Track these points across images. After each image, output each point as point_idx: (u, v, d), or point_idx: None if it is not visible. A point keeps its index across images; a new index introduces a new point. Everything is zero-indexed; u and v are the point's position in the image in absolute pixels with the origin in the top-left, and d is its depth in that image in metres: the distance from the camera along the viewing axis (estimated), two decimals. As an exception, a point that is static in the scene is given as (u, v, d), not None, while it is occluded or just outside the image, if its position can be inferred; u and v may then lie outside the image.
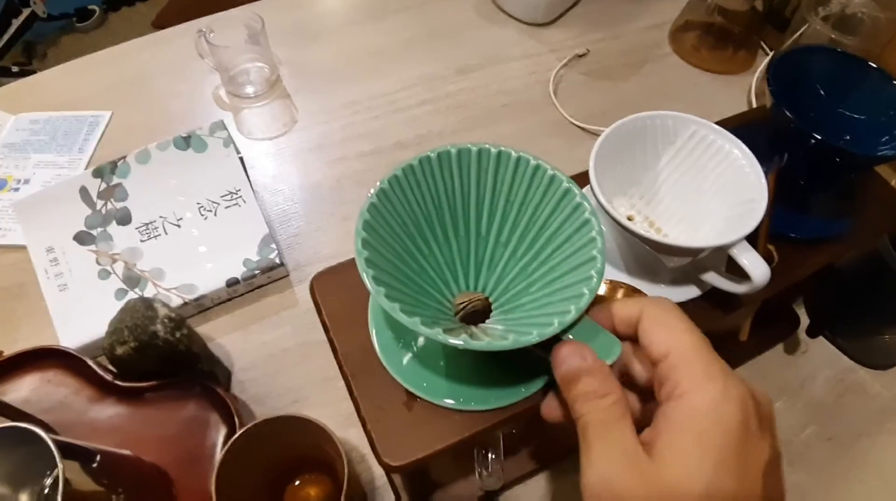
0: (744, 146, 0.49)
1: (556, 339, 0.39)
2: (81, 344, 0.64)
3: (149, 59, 0.92)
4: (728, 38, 0.94)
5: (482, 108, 0.86)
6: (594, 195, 0.47)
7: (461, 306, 0.47)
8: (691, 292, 0.53)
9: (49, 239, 0.67)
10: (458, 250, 0.48)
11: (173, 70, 0.90)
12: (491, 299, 0.49)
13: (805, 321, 0.74)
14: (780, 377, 0.74)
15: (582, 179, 0.51)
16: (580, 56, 0.93)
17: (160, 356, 0.59)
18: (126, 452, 0.57)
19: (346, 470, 0.51)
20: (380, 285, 0.38)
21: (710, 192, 0.52)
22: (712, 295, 0.52)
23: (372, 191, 0.42)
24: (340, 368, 0.47)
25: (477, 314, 0.48)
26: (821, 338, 0.73)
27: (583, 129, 0.85)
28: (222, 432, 0.61)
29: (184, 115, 0.85)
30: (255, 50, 0.85)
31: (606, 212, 0.46)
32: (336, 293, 0.51)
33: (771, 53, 0.94)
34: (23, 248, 0.69)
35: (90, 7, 2.38)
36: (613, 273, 0.54)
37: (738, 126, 0.52)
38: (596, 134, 0.82)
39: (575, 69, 0.92)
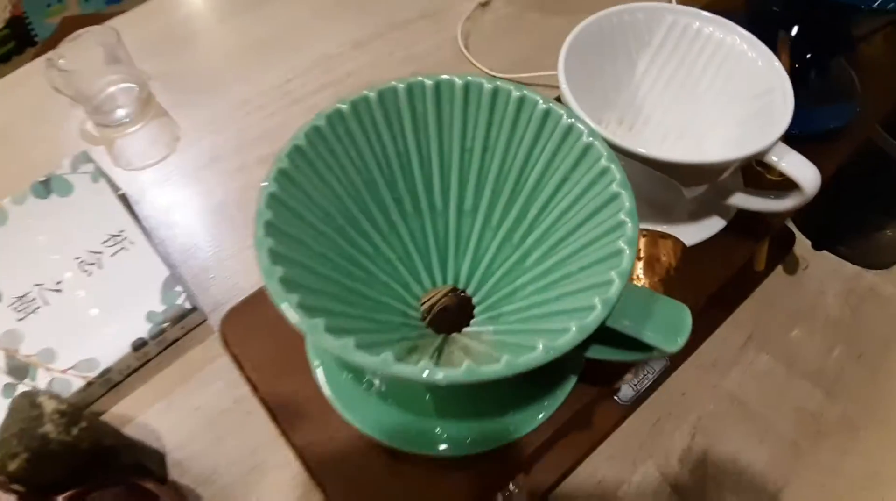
0: (740, 28, 0.38)
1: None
2: None
3: (1, 108, 0.76)
4: None
5: (391, 79, 0.73)
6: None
7: (425, 308, 0.35)
8: (715, 224, 0.41)
9: None
10: (410, 236, 0.36)
11: (29, 114, 0.73)
12: (470, 291, 0.37)
13: (799, 236, 0.66)
14: (789, 301, 0.65)
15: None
16: (483, 5, 0.81)
17: (63, 462, 0.45)
18: None
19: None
20: (292, 291, 0.24)
21: (710, 95, 0.40)
22: (737, 223, 0.41)
23: (282, 150, 0.30)
24: (286, 437, 0.35)
25: (450, 314, 0.36)
26: (819, 251, 0.65)
27: (511, 80, 0.73)
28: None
29: (49, 161, 0.68)
30: (118, 69, 0.70)
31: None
32: (257, 334, 0.37)
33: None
34: None
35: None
36: None
37: (728, 11, 0.42)
38: (524, 82, 0.71)
39: (481, 20, 0.80)
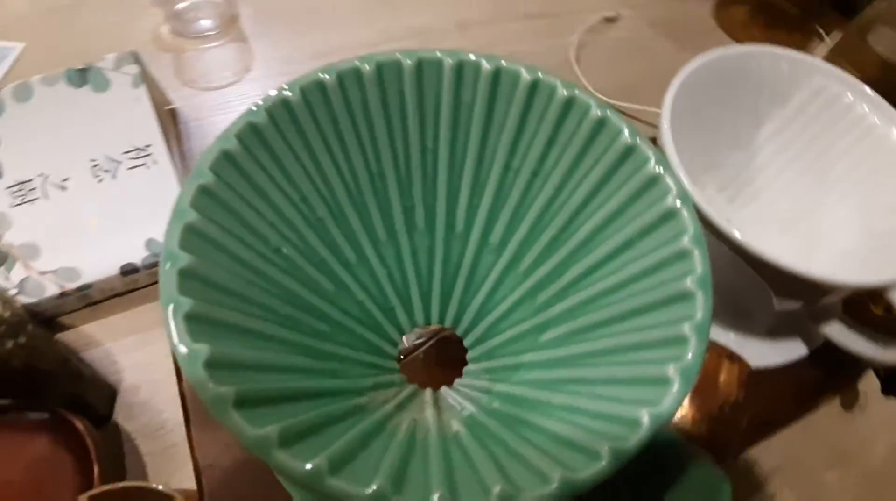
0: None
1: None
2: None
3: None
4: (782, 18, 0.71)
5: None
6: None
7: (411, 350, 0.27)
8: (795, 350, 0.30)
9: None
10: (411, 254, 0.27)
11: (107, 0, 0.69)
12: (468, 343, 0.28)
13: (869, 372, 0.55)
14: (835, 438, 0.53)
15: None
16: (609, 20, 0.71)
17: (-11, 374, 0.38)
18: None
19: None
20: (203, 334, 0.16)
21: (841, 188, 0.30)
22: (821, 355, 0.31)
23: (230, 126, 0.21)
24: (191, 445, 0.27)
25: (444, 364, 0.27)
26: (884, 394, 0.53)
27: (614, 106, 0.63)
28: (77, 483, 0.41)
29: (113, 52, 0.63)
30: (210, -21, 0.64)
31: (697, 209, 0.25)
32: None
33: (829, 41, 0.73)
34: None
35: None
36: None
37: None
38: (626, 112, 0.61)
39: (602, 35, 0.70)
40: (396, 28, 0.67)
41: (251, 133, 0.20)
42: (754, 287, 0.27)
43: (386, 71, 0.22)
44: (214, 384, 0.15)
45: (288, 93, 0.21)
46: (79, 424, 0.39)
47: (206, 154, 0.19)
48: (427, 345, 0.28)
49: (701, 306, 0.18)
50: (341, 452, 0.15)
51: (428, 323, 0.27)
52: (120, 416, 0.46)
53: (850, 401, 0.55)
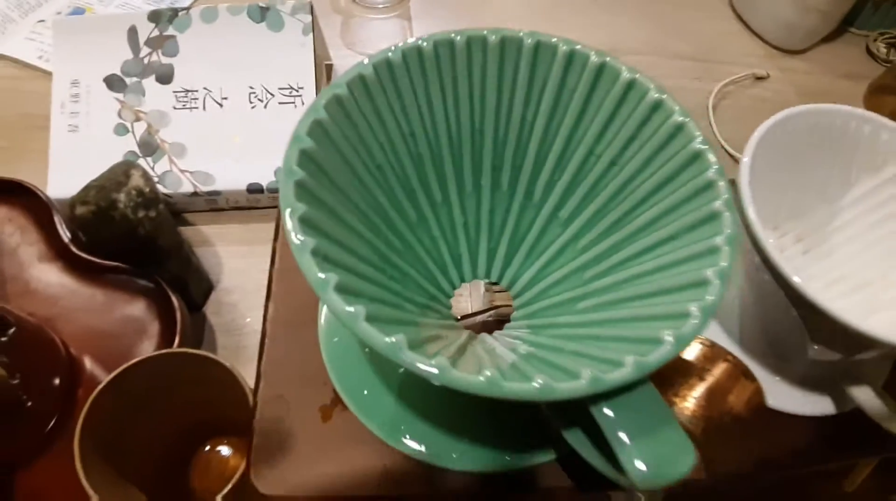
0: None
1: (583, 405, 0.20)
2: (66, 196, 0.51)
3: None
4: None
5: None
6: (741, 209, 0.28)
7: (472, 313, 0.30)
8: (823, 405, 0.32)
9: (78, 72, 0.54)
10: (485, 214, 0.31)
11: None
12: (515, 300, 0.31)
13: None
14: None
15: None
16: (758, 78, 0.72)
17: (118, 233, 0.45)
18: (47, 332, 0.45)
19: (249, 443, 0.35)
20: (312, 235, 0.20)
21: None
22: (850, 419, 0.32)
23: (343, 75, 0.25)
24: (263, 322, 0.32)
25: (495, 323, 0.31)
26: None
27: (733, 157, 0.64)
28: (158, 346, 0.47)
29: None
30: (397, -44, 0.71)
31: (755, 242, 0.27)
32: None
33: None
34: (59, 76, 0.56)
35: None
36: (720, 338, 0.34)
37: None
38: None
39: (746, 90, 0.70)
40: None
41: (385, 66, 0.25)
42: (794, 331, 0.29)
43: (507, 44, 0.26)
44: (319, 270, 0.19)
45: (423, 43, 0.25)
46: (175, 299, 0.46)
47: (346, 72, 0.24)
48: (483, 317, 0.31)
49: (725, 257, 0.20)
50: (412, 338, 0.19)
51: (488, 277, 0.31)
52: (209, 309, 0.53)
53: None
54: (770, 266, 0.27)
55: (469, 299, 0.30)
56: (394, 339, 0.19)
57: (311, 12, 0.56)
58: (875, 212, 0.32)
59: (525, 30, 0.26)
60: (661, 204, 0.24)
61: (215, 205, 0.56)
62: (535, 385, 0.18)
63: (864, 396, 0.30)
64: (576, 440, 0.23)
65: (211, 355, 0.39)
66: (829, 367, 0.31)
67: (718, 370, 0.26)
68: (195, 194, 0.53)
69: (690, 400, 0.25)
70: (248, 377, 0.38)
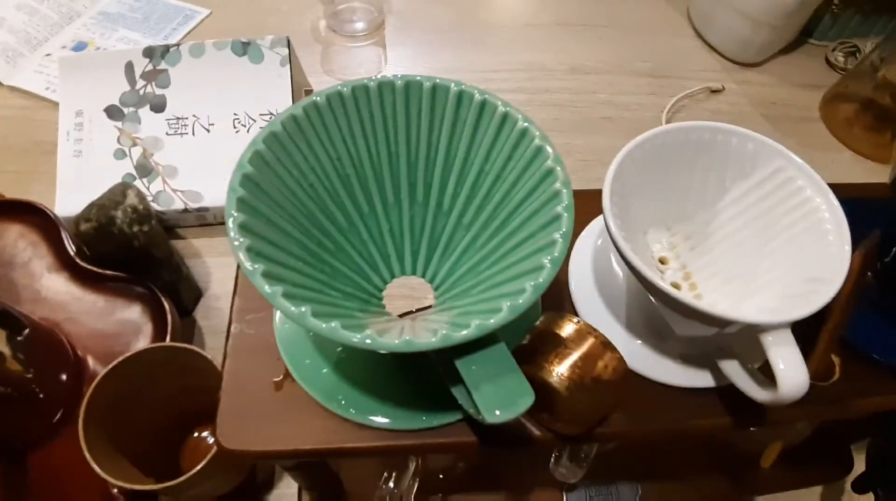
0: (837, 206, 0.34)
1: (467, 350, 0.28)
2: (72, 214, 0.59)
3: None
4: (890, 120, 0.74)
5: (580, 113, 0.73)
6: (603, 211, 0.35)
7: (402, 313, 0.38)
8: (701, 378, 0.38)
9: (81, 103, 0.62)
10: (406, 222, 0.38)
11: None
12: (436, 290, 0.39)
13: (859, 468, 0.58)
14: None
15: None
16: (714, 92, 0.79)
17: (116, 246, 0.53)
18: (57, 334, 0.53)
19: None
20: (258, 261, 0.27)
21: (777, 255, 0.37)
22: (732, 393, 0.38)
23: (277, 116, 0.32)
24: (230, 311, 0.40)
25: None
26: (870, 494, 0.56)
27: None
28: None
29: (277, 33, 0.79)
30: (369, -9, 0.79)
31: (613, 241, 0.35)
32: None
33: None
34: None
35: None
36: (610, 324, 0.40)
37: (854, 197, 0.38)
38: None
39: (701, 104, 0.77)
40: (513, 61, 0.79)
41: (313, 107, 0.32)
42: (664, 314, 0.36)
43: (411, 87, 0.33)
44: (251, 263, 0.27)
45: (343, 89, 0.33)
46: (166, 303, 0.53)
47: (281, 112, 0.32)
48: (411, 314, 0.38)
49: (565, 222, 0.28)
50: (348, 322, 0.26)
51: (413, 273, 0.38)
52: (199, 314, 0.61)
53: (834, 496, 0.59)
54: (622, 257, 0.33)
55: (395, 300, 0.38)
56: (332, 324, 0.26)
57: (288, 46, 0.64)
58: (744, 214, 0.39)
59: (425, 74, 0.33)
60: (527, 209, 0.31)
61: (204, 220, 0.64)
62: (400, 340, 0.26)
63: (730, 368, 0.36)
64: (457, 391, 0.30)
65: (196, 348, 0.47)
66: (705, 346, 0.38)
67: (586, 343, 0.33)
68: (186, 210, 0.62)
69: (560, 366, 0.32)
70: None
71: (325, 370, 0.36)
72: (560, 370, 0.32)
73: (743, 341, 0.36)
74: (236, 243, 0.27)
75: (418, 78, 0.33)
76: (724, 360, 0.37)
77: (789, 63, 0.84)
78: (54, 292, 0.54)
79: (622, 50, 0.82)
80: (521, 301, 0.27)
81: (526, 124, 0.32)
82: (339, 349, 0.36)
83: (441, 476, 0.47)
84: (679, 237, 0.42)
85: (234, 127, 0.64)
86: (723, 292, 0.39)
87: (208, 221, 0.64)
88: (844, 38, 0.85)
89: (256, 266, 0.27)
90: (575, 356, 0.33)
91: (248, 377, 0.36)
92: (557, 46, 0.81)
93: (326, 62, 0.77)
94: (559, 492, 0.52)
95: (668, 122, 0.74)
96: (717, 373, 0.38)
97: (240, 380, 0.36)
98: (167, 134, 0.63)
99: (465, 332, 0.26)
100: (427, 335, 0.27)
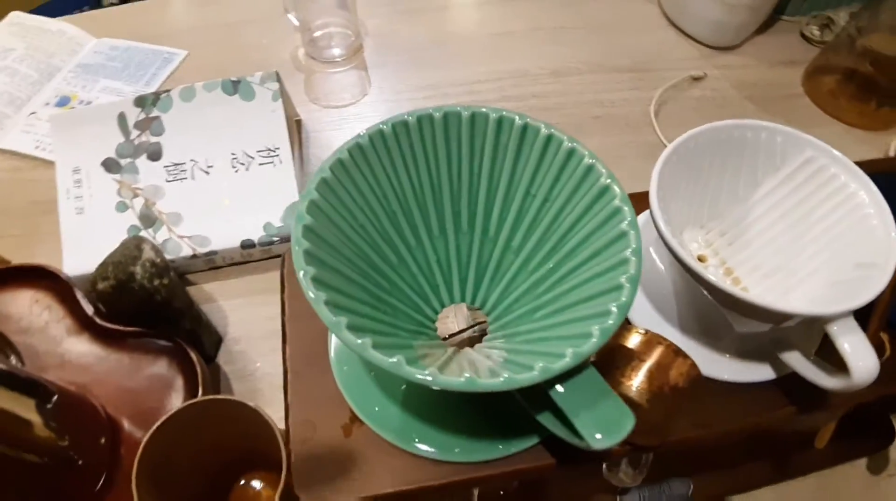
0: (875, 189, 0.35)
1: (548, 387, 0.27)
2: (83, 273, 0.57)
3: (238, 7, 0.86)
4: (873, 89, 0.76)
5: (570, 116, 0.74)
6: (654, 220, 0.36)
7: (455, 332, 0.38)
8: (762, 372, 0.38)
9: (77, 160, 0.61)
10: (456, 248, 0.38)
11: (259, 22, 0.83)
12: (488, 317, 0.39)
13: None
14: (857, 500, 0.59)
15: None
16: (696, 79, 0.80)
17: (137, 302, 0.52)
18: (86, 398, 0.52)
19: (284, 467, 0.42)
20: (321, 289, 0.27)
21: (817, 244, 0.38)
22: (791, 383, 0.38)
23: (346, 143, 0.32)
24: (283, 361, 0.39)
25: (473, 338, 0.38)
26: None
27: None
28: (182, 399, 0.54)
29: (258, 68, 0.78)
30: (343, 15, 0.77)
31: (666, 243, 0.34)
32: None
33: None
34: (59, 165, 0.63)
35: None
36: (661, 325, 0.41)
37: (875, 173, 0.38)
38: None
39: (685, 92, 0.78)
40: (496, 70, 0.79)
41: (357, 149, 0.32)
42: (720, 313, 0.37)
43: (450, 118, 0.33)
44: (333, 316, 0.27)
45: (384, 126, 0.33)
46: (193, 354, 0.52)
47: (327, 159, 0.31)
48: (466, 334, 0.38)
49: (633, 266, 0.28)
50: (408, 357, 0.26)
51: (463, 301, 0.38)
52: (221, 359, 0.60)
53: (878, 467, 0.61)
54: (684, 266, 0.34)
55: (455, 319, 0.37)
56: (395, 359, 0.26)
57: (278, 79, 0.64)
58: (779, 207, 0.40)
59: (464, 103, 0.33)
60: (584, 229, 0.32)
61: (213, 264, 0.63)
62: (502, 379, 0.25)
63: (794, 359, 0.37)
64: (547, 420, 0.30)
65: (237, 398, 0.46)
66: (761, 339, 0.38)
67: (656, 353, 0.34)
68: (195, 256, 0.60)
69: (636, 379, 0.33)
70: (271, 415, 0.45)
71: (392, 409, 0.35)
72: (637, 384, 0.33)
73: (799, 331, 0.37)
74: (314, 296, 0.27)
75: (457, 108, 0.33)
76: (784, 352, 0.37)
77: (766, 42, 0.85)
78: (77, 355, 0.53)
79: (600, 48, 0.82)
80: (610, 323, 0.27)
81: (572, 144, 0.32)
82: (404, 386, 0.36)
83: (501, 494, 0.47)
84: (714, 234, 0.42)
85: (233, 167, 0.63)
86: (766, 285, 0.40)
87: (217, 264, 0.63)
88: (817, 11, 0.87)
89: (339, 319, 0.27)
90: (648, 367, 0.33)
91: (314, 425, 0.36)
92: (536, 52, 0.82)
93: (310, 90, 0.76)
94: (613, 496, 0.52)
95: (656, 114, 0.75)
96: (776, 365, 0.39)
97: (307, 430, 0.35)
98: (167, 181, 0.62)
99: (562, 362, 0.26)
100: (512, 368, 0.27)
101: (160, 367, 0.53)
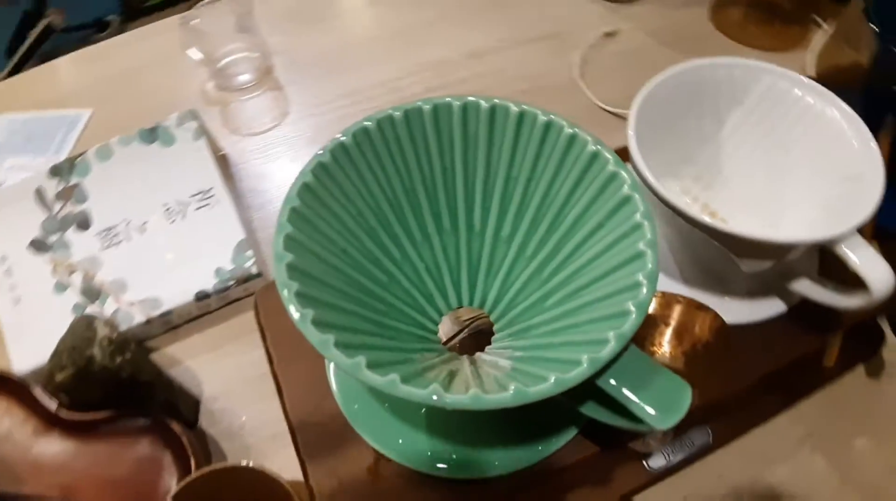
0: (842, 103, 0.35)
1: (590, 382, 0.26)
2: (35, 367, 0.52)
3: (133, 54, 0.80)
4: (778, 13, 0.78)
5: (499, 94, 0.73)
6: (638, 173, 0.34)
7: (466, 321, 0.35)
8: (774, 307, 0.38)
9: (2, 248, 0.57)
10: (443, 251, 0.36)
11: (159, 65, 0.78)
12: (492, 317, 0.37)
13: (891, 338, 0.61)
14: (863, 407, 0.59)
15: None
16: (609, 35, 0.80)
17: (103, 384, 0.48)
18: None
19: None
20: (308, 307, 0.24)
21: (797, 168, 0.38)
22: (801, 310, 0.38)
23: (307, 165, 0.30)
24: (285, 416, 0.36)
25: (471, 342, 0.36)
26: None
27: (617, 115, 0.70)
28: (176, 476, 0.50)
29: (168, 111, 0.73)
30: (245, 38, 0.74)
31: (656, 194, 0.33)
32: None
33: (828, 27, 0.81)
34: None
35: (108, 18, 2.30)
36: (666, 283, 0.40)
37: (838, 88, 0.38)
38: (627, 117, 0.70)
39: (604, 50, 0.78)
40: (414, 63, 0.77)
41: (321, 169, 0.29)
42: (724, 255, 0.36)
43: (411, 115, 0.31)
44: (320, 333, 0.24)
45: (343, 138, 0.30)
46: (175, 425, 0.49)
47: (293, 185, 0.29)
48: (462, 335, 0.36)
49: (650, 260, 0.26)
50: (409, 371, 0.24)
51: (460, 305, 0.36)
52: (204, 422, 0.56)
53: (876, 370, 0.62)
54: (681, 214, 0.33)
55: (448, 324, 0.35)
56: (390, 377, 0.23)
57: (196, 117, 0.60)
58: (748, 140, 0.39)
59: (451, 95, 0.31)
60: (581, 202, 0.30)
61: (170, 324, 0.58)
62: (509, 394, 0.23)
63: (804, 286, 0.36)
64: (593, 411, 0.28)
65: (238, 463, 0.43)
66: (767, 275, 0.37)
67: (676, 312, 0.32)
68: (149, 321, 0.56)
69: (665, 346, 0.31)
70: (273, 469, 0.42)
71: (418, 437, 0.33)
72: (669, 349, 0.31)
73: (803, 258, 0.37)
74: (298, 315, 0.24)
75: (472, 99, 0.31)
76: (792, 282, 0.37)
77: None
78: (52, 456, 0.48)
79: (511, 23, 0.82)
80: (644, 293, 0.25)
81: (574, 131, 0.30)
82: (424, 410, 0.34)
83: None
84: (689, 181, 0.41)
85: (169, 218, 0.58)
86: (756, 220, 0.39)
87: (175, 323, 0.59)
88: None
89: (326, 336, 0.24)
90: (673, 329, 0.32)
91: (337, 475, 0.33)
92: (449, 38, 0.80)
93: (229, 122, 0.72)
94: (639, 462, 0.51)
95: (582, 77, 0.74)
96: (785, 296, 0.38)
97: (331, 482, 0.33)
98: (102, 249, 0.57)
99: (608, 348, 0.24)
100: (533, 371, 0.25)
101: (143, 448, 0.49)
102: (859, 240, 0.31)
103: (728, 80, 0.39)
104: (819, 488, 0.57)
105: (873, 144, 0.34)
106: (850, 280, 0.33)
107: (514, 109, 0.31)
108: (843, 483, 0.56)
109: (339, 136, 0.30)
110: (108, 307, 0.56)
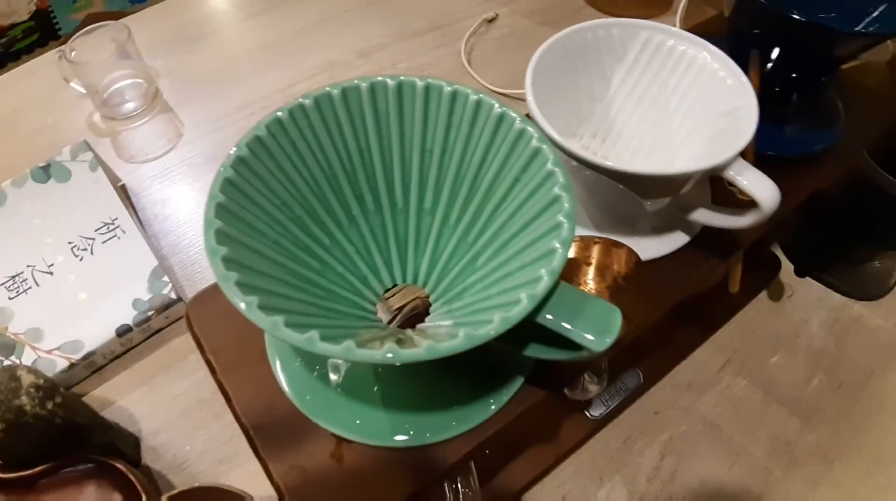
0: (712, 47, 0.38)
1: (529, 324, 0.27)
2: None
3: (13, 96, 0.77)
4: None
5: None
6: (544, 133, 0.36)
7: (396, 310, 0.36)
8: (679, 239, 0.41)
9: None
10: (370, 232, 0.37)
11: (40, 102, 0.75)
12: (428, 291, 0.38)
13: (785, 263, 0.66)
14: (771, 328, 0.65)
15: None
16: (489, 21, 0.83)
17: (37, 435, 0.46)
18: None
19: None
20: (250, 293, 0.25)
21: (681, 111, 0.41)
22: (703, 239, 0.41)
23: (225, 160, 0.30)
24: (238, 421, 0.36)
25: (413, 320, 0.37)
26: (805, 278, 0.65)
27: (506, 96, 0.73)
28: (133, 515, 0.48)
29: (54, 149, 0.70)
30: (127, 64, 0.72)
31: (562, 149, 0.34)
32: (224, 321, 0.38)
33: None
34: None
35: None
36: (581, 232, 0.43)
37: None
38: (517, 97, 0.73)
39: (486, 36, 0.81)
40: (305, 68, 0.77)
41: (240, 163, 0.30)
42: (630, 198, 0.38)
43: (321, 101, 0.32)
44: (268, 316, 0.24)
45: (257, 131, 0.30)
46: (119, 464, 0.47)
47: (213, 182, 0.29)
48: (397, 321, 0.37)
49: (566, 201, 0.28)
50: (359, 343, 0.24)
51: (394, 283, 0.37)
52: (147, 458, 0.54)
53: (777, 293, 0.67)
54: (586, 163, 0.35)
55: (380, 313, 0.36)
56: (345, 344, 0.24)
57: (89, 148, 0.58)
58: (635, 92, 0.42)
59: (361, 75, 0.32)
60: (495, 163, 0.32)
61: (95, 366, 0.57)
62: (460, 338, 0.24)
63: (702, 215, 0.39)
64: (536, 351, 0.30)
65: (209, 484, 0.42)
66: (668, 211, 0.40)
67: (595, 251, 0.35)
68: (72, 365, 0.54)
69: (590, 283, 0.33)
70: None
71: (376, 414, 0.34)
72: (593, 285, 0.33)
73: (696, 191, 0.40)
74: (225, 280, 0.25)
75: (380, 78, 0.32)
76: (691, 214, 0.40)
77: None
78: (-8, 522, 0.46)
79: (393, 19, 0.83)
80: (565, 231, 0.27)
81: (503, 110, 0.31)
82: (376, 388, 0.34)
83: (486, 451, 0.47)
84: (588, 138, 0.44)
85: (76, 255, 0.56)
86: (653, 161, 0.42)
87: (99, 364, 0.57)
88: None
89: (249, 298, 0.24)
90: (595, 267, 0.34)
91: (302, 468, 0.33)
92: (336, 39, 0.81)
93: (122, 151, 0.70)
94: (582, 413, 0.54)
95: (469, 63, 0.76)
96: (686, 228, 0.41)
97: (297, 476, 0.33)
98: (10, 299, 0.54)
99: (542, 284, 0.26)
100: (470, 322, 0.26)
101: (90, 494, 0.47)
102: (744, 163, 0.34)
103: (608, 39, 0.42)
104: (745, 406, 0.62)
105: (744, 78, 0.37)
106: (740, 204, 0.37)
107: (419, 83, 0.32)
108: (765, 397, 0.61)
109: (253, 129, 0.31)
110: (26, 358, 0.54)
